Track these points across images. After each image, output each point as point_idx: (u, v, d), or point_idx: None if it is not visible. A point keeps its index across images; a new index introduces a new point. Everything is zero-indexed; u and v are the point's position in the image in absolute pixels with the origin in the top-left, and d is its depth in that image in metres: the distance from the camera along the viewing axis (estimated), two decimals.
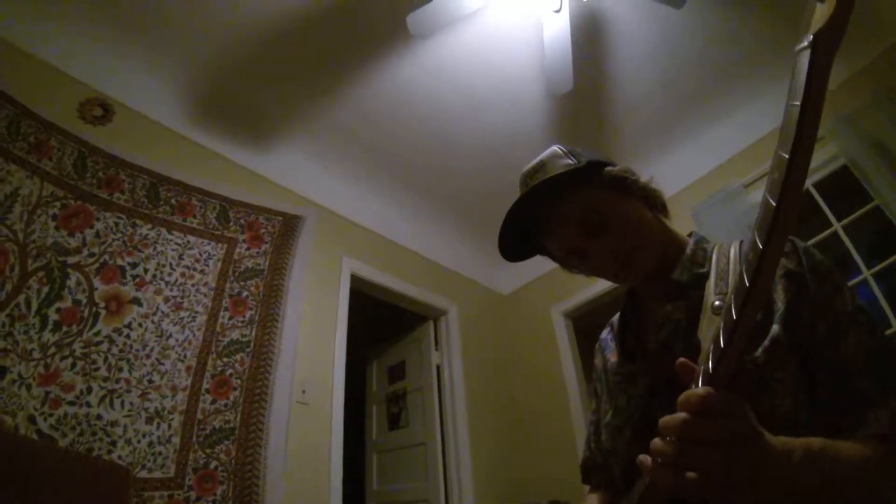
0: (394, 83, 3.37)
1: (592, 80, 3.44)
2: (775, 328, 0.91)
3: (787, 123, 0.56)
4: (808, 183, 3.44)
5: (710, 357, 0.66)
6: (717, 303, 0.93)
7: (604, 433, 1.21)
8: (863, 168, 3.09)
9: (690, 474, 0.63)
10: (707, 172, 3.95)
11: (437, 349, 4.64)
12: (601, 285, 4.55)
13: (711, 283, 0.99)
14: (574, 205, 1.13)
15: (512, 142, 3.90)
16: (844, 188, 3.32)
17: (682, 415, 0.65)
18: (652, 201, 1.18)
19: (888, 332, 2.91)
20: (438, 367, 4.55)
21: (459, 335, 4.73)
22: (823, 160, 3.43)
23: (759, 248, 0.59)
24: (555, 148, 1.21)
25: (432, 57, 3.23)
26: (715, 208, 3.61)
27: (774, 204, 0.57)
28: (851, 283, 3.21)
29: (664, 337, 1.07)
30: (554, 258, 1.28)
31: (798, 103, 0.54)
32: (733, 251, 1.05)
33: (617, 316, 1.36)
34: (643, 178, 1.19)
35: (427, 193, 4.38)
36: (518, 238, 1.23)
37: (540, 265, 5.23)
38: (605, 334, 1.39)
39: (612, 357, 1.28)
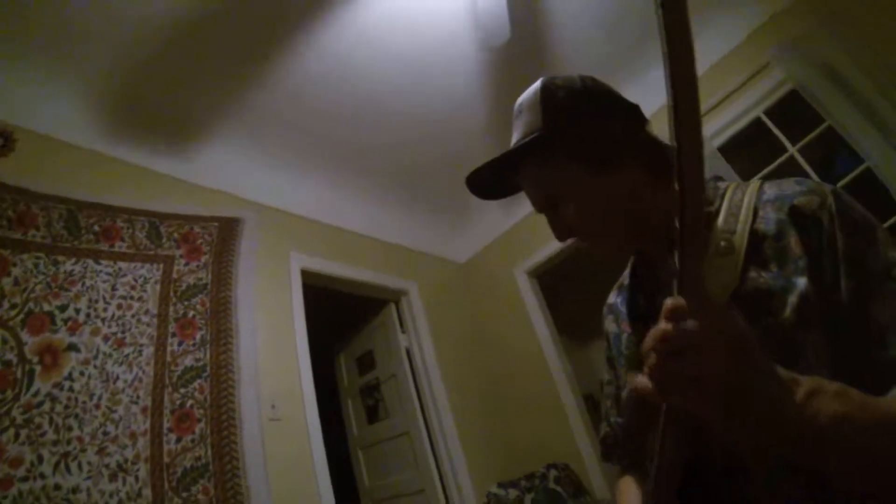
0: (321, 61, 3.09)
1: (529, 29, 3.22)
2: (802, 281, 0.80)
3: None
4: (759, 110, 3.55)
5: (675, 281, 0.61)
6: (722, 243, 0.86)
7: (624, 410, 1.14)
8: (812, 91, 3.15)
9: (675, 387, 0.58)
10: (655, 111, 3.76)
11: (403, 332, 4.48)
12: None
13: (720, 222, 0.92)
14: (532, 179, 1.09)
15: (453, 106, 3.69)
16: (796, 111, 3.37)
17: (658, 326, 0.59)
18: (649, 155, 1.03)
19: None
20: (408, 350, 4.40)
21: (424, 313, 4.59)
22: (771, 86, 3.47)
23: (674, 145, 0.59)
24: (538, 85, 1.08)
25: (359, 27, 2.95)
26: None
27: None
28: None
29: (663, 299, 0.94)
30: None
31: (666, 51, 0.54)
32: (751, 188, 0.96)
33: (626, 275, 1.23)
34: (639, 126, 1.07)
35: (368, 172, 4.15)
36: (491, 184, 1.17)
37: (494, 228, 5.13)
38: (614, 298, 1.26)
39: (626, 326, 1.15)
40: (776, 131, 3.50)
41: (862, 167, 3.12)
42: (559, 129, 1.02)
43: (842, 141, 3.10)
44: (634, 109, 1.07)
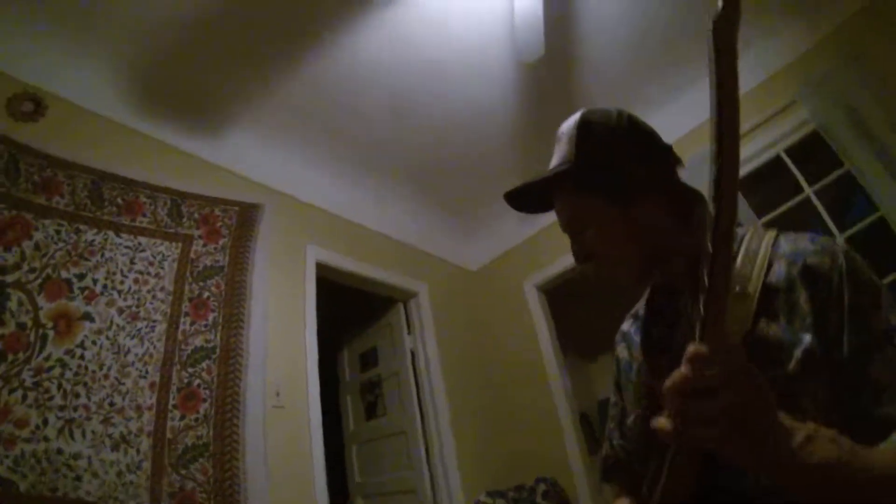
0: (353, 57, 3.11)
1: (560, 46, 3.25)
2: (808, 337, 0.85)
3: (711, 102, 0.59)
4: (780, 148, 3.54)
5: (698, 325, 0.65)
6: (737, 288, 0.90)
7: (628, 435, 1.18)
8: (834, 133, 3.15)
9: (694, 426, 0.62)
10: (682, 135, 3.81)
11: (409, 333, 4.50)
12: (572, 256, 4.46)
13: (737, 267, 0.95)
14: (561, 204, 1.16)
15: (477, 113, 3.71)
16: (814, 153, 3.38)
17: (679, 370, 0.64)
18: (675, 198, 1.09)
19: None
20: (412, 352, 4.41)
21: (432, 316, 4.60)
22: (793, 125, 3.46)
23: (712, 206, 0.60)
24: (578, 117, 1.14)
25: (394, 27, 2.97)
26: (691, 172, 3.49)
27: (715, 170, 0.59)
28: None
29: (682, 332, 1.03)
30: None
31: (714, 90, 0.58)
32: (767, 237, 1.01)
33: (641, 304, 1.27)
34: (667, 172, 1.11)
35: (389, 170, 4.17)
36: (527, 199, 1.23)
37: (507, 239, 5.13)
38: (628, 326, 1.30)
39: (639, 355, 1.19)
40: (795, 171, 3.50)
41: (876, 215, 3.10)
42: (589, 164, 1.07)
43: (859, 187, 3.10)
44: (667, 151, 1.11)
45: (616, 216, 1.06)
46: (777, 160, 3.57)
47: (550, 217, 4.66)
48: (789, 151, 3.53)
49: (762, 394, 0.63)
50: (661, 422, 0.66)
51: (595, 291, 4.99)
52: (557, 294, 5.04)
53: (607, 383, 6.13)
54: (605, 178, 1.07)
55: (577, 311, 5.86)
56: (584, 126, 1.10)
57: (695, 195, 1.09)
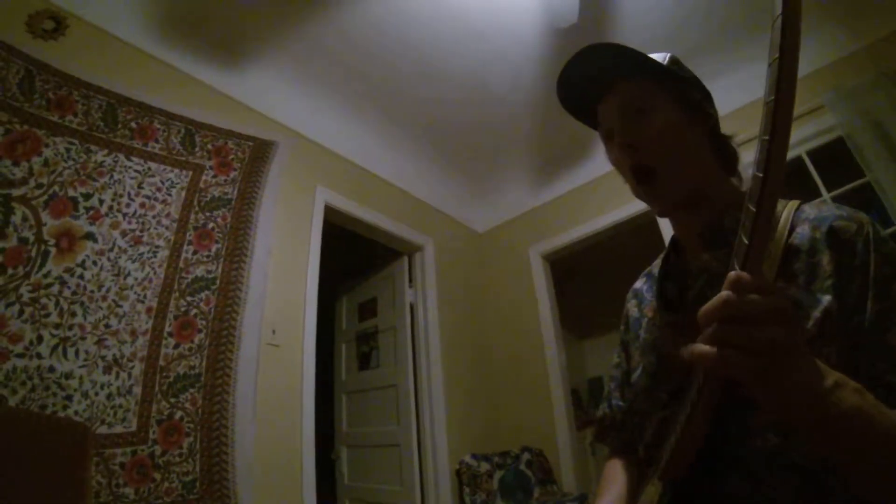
0: (383, 5, 3.05)
1: (594, 19, 3.18)
2: (827, 298, 0.83)
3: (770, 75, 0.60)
4: (802, 150, 3.54)
5: (737, 257, 0.65)
6: None
7: (630, 392, 1.15)
8: (858, 143, 3.16)
9: (737, 354, 0.60)
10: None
11: (410, 286, 4.48)
12: (582, 229, 4.47)
13: None
14: (630, 88, 1.06)
15: (503, 75, 3.65)
16: (837, 159, 3.36)
17: (722, 294, 0.63)
18: (720, 144, 1.10)
19: None
20: (412, 305, 4.40)
21: (435, 272, 4.58)
22: (819, 129, 3.47)
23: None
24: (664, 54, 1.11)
25: None
26: None
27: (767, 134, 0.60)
28: None
29: (699, 289, 1.01)
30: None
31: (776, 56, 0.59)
32: (790, 204, 0.98)
33: (656, 264, 1.25)
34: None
35: (407, 123, 4.12)
36: (578, 87, 1.13)
37: (517, 206, 5.10)
38: (641, 284, 1.29)
39: (650, 311, 1.18)
40: (814, 174, 3.49)
41: (891, 230, 3.06)
42: (677, 75, 1.08)
43: (877, 199, 3.09)
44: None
45: (687, 127, 1.04)
46: (798, 161, 3.55)
47: (562, 187, 4.72)
48: (812, 154, 3.53)
49: (800, 332, 0.64)
50: (699, 347, 0.64)
51: (596, 271, 4.97)
52: (558, 270, 5.04)
53: (598, 363, 6.08)
54: (685, 88, 1.08)
55: (575, 289, 5.87)
56: (672, 57, 1.10)
57: (734, 149, 1.11)
